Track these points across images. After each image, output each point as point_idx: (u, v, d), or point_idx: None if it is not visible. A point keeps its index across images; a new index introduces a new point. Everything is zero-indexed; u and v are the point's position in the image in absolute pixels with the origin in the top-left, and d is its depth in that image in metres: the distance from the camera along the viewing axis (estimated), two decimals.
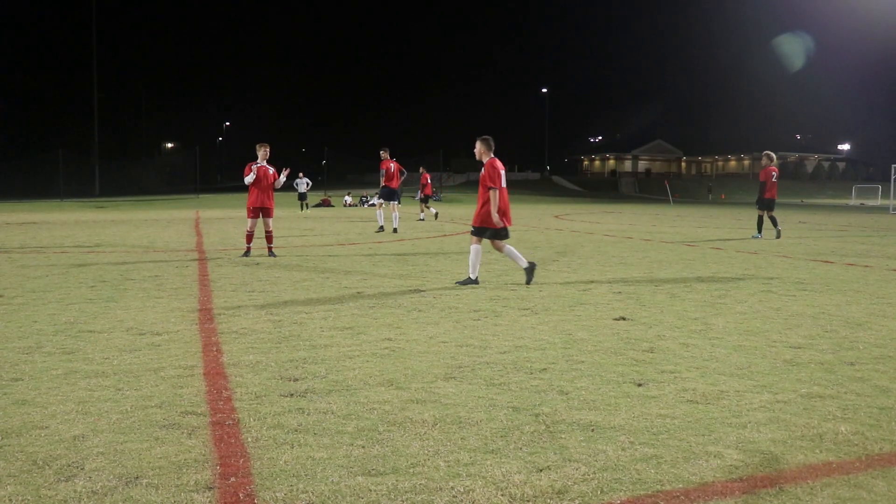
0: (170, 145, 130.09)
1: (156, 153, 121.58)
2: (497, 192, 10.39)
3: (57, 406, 4.95)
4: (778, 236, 19.33)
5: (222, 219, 31.12)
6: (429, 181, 30.68)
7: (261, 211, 14.59)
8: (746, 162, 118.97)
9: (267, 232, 14.75)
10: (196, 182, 64.55)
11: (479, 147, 10.68)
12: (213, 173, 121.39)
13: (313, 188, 47.34)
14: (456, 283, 10.66)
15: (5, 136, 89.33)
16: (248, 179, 14.51)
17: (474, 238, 10.65)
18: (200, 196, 60.88)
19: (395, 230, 21.83)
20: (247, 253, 14.63)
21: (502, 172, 10.55)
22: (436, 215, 29.89)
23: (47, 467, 3.91)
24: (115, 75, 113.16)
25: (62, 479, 3.76)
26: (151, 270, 12.41)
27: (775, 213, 20.13)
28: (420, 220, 29.12)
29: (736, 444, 4.23)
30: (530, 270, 10.60)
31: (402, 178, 23.11)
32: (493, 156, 10.65)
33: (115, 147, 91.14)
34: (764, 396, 5.16)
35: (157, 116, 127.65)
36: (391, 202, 22.41)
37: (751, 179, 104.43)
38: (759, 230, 19.86)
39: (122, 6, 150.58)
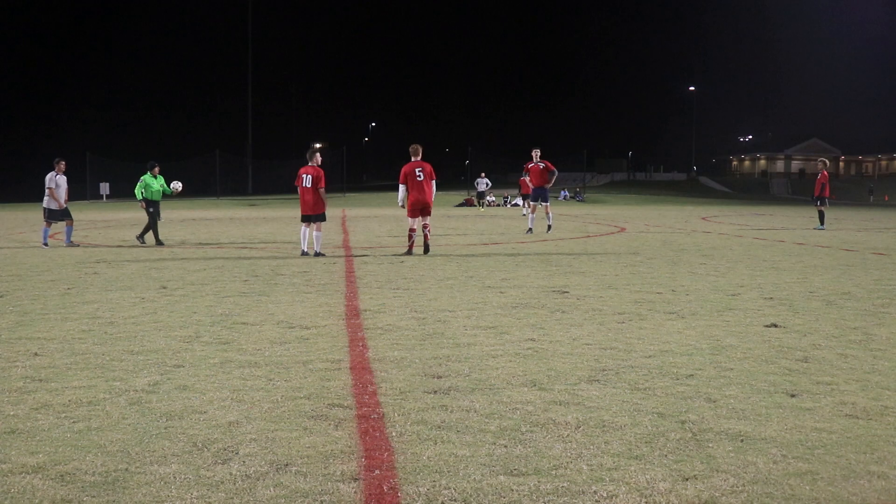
0: (318, 145, 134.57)
1: (305, 153, 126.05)
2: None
3: (214, 393, 5.22)
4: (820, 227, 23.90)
5: (368, 217, 31.95)
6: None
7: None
8: None
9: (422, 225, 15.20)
10: (343, 181, 66.55)
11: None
12: (359, 173, 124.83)
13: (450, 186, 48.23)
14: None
15: (170, 139, 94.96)
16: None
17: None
18: (347, 195, 62.73)
19: (529, 230, 21.42)
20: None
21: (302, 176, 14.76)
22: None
23: (206, 449, 4.12)
24: (267, 78, 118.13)
25: (219, 461, 3.96)
26: (300, 266, 12.88)
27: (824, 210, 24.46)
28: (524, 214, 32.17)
29: None
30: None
31: (552, 177, 22.14)
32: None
33: (266, 147, 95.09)
34: None
35: (306, 117, 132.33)
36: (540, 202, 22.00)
37: None
38: (822, 222, 24.04)
39: (274, 10, 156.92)
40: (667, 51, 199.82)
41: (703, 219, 30.81)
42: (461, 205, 47.55)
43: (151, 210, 17.60)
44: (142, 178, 17.79)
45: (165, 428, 4.48)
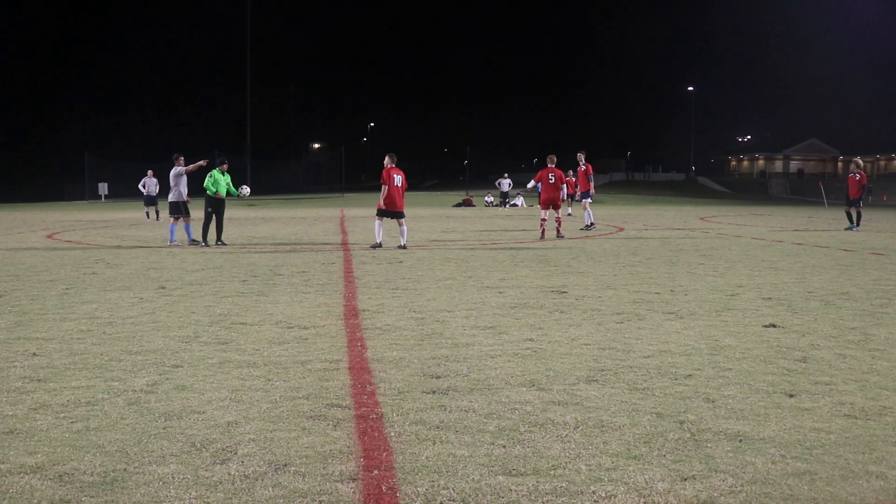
0: (317, 146, 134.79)
1: (303, 154, 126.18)
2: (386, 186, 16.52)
3: (212, 393, 5.21)
4: (854, 228, 23.12)
5: (366, 217, 31.91)
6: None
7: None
8: None
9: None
10: (341, 181, 66.56)
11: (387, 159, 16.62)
12: (358, 173, 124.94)
13: (460, 186, 48.33)
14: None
15: (169, 139, 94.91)
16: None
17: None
18: (345, 195, 62.73)
19: (592, 225, 23.39)
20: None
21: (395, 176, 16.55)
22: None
23: (204, 450, 4.12)
24: (265, 79, 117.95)
25: (217, 461, 3.96)
26: (299, 266, 12.88)
27: (853, 211, 23.71)
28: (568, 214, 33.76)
29: None
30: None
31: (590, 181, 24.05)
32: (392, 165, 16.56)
33: (265, 148, 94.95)
34: None
35: (305, 118, 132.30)
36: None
37: None
38: (857, 223, 23.22)
39: (273, 11, 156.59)
40: (666, 51, 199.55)
41: (702, 219, 30.83)
42: (459, 205, 47.52)
43: (210, 209, 17.12)
44: (211, 172, 17.30)
45: (164, 428, 4.48)
